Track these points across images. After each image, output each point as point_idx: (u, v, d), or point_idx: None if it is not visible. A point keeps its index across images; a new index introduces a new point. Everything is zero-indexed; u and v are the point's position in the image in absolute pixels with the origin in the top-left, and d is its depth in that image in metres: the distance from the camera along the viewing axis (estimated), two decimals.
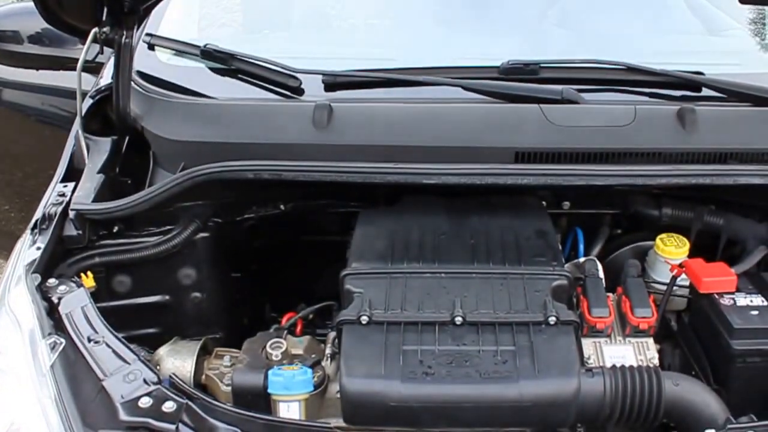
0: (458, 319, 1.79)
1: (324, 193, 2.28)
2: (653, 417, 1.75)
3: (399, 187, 2.12)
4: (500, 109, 2.16)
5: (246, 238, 2.31)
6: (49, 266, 1.94)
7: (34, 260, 1.91)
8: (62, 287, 1.88)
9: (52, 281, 1.90)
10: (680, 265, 2.07)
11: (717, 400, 1.79)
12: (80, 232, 2.01)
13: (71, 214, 2.02)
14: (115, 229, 2.09)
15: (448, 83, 2.18)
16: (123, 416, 1.59)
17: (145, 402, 1.61)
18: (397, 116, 2.16)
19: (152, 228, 2.13)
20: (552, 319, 1.79)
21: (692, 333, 2.05)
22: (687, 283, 2.08)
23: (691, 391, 1.79)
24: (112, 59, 2.31)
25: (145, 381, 1.66)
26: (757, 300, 1.96)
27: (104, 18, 2.16)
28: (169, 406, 1.61)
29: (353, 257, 1.97)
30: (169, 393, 1.64)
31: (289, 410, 1.79)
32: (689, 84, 2.26)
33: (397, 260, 1.96)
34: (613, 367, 1.79)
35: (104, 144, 2.24)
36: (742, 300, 1.96)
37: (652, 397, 1.73)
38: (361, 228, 2.09)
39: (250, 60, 2.25)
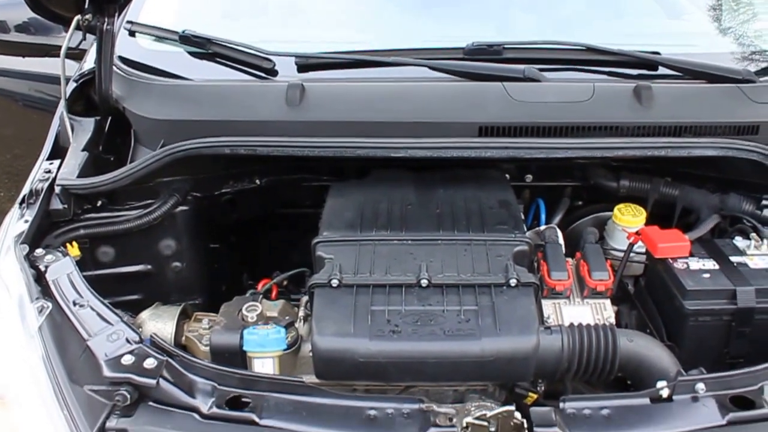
0: (424, 282, 1.89)
1: (297, 168, 2.39)
2: (609, 371, 1.86)
3: (368, 161, 2.22)
4: (465, 87, 2.25)
5: (224, 211, 2.42)
6: (37, 238, 2.05)
7: (22, 232, 2.02)
8: (49, 256, 1.99)
9: (39, 251, 2.00)
10: (637, 233, 2.18)
11: (669, 354, 1.90)
12: (66, 205, 2.11)
13: (57, 189, 2.12)
14: (99, 203, 2.20)
15: (416, 63, 2.28)
16: (107, 372, 1.69)
17: (128, 359, 1.71)
18: (367, 94, 2.26)
19: (134, 202, 2.24)
20: (513, 281, 1.89)
21: (647, 295, 2.15)
22: (644, 250, 2.19)
23: (645, 347, 1.90)
24: (95, 45, 2.40)
25: (127, 340, 1.76)
26: (709, 264, 2.06)
27: (86, 6, 2.28)
28: (150, 363, 1.70)
29: (324, 226, 2.07)
30: (150, 351, 1.73)
31: (264, 366, 1.89)
32: (646, 63, 2.35)
33: (366, 228, 2.06)
34: (571, 324, 1.89)
35: (88, 124, 2.34)
36: (695, 264, 2.06)
37: (607, 352, 1.84)
38: (331, 199, 2.19)
39: (226, 44, 2.34)
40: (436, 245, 2.01)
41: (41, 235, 2.07)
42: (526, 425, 1.63)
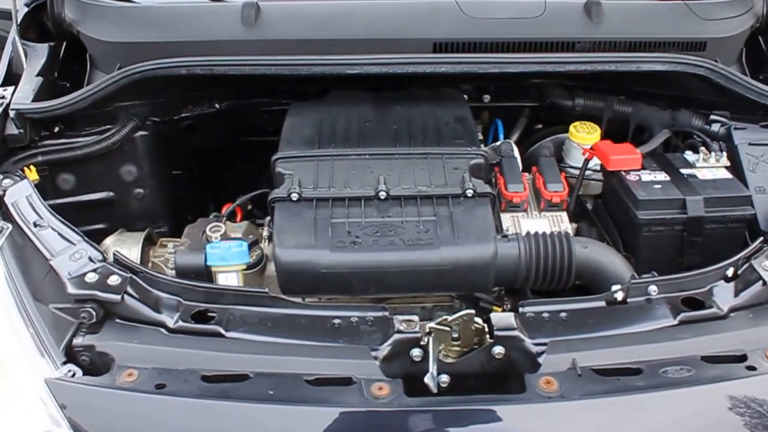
0: (382, 194, 1.92)
1: (256, 92, 2.39)
2: (566, 278, 1.91)
3: (326, 81, 2.23)
4: (418, 4, 2.28)
5: (185, 137, 2.42)
6: None
7: None
8: (6, 181, 1.98)
9: None
10: (591, 148, 2.23)
11: (623, 260, 1.97)
12: (21, 131, 2.09)
13: (11, 113, 2.09)
14: (56, 129, 2.18)
15: None
16: (71, 290, 1.70)
17: (91, 277, 1.72)
18: (322, 12, 2.26)
19: (92, 128, 2.22)
20: (469, 192, 1.93)
21: (604, 210, 2.21)
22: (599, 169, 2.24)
23: (599, 253, 1.96)
24: None
25: (90, 259, 1.76)
26: (660, 176, 2.12)
27: None
28: (114, 280, 1.72)
29: (283, 143, 2.09)
30: (113, 268, 1.75)
31: (228, 281, 1.91)
32: None
33: (324, 144, 2.09)
34: (527, 233, 1.94)
35: (42, 50, 2.31)
36: (647, 176, 2.12)
37: (563, 258, 1.89)
38: (290, 118, 2.21)
39: None
40: (393, 159, 2.05)
41: None
42: (486, 329, 1.66)
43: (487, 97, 2.49)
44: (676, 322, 1.72)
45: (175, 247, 2.02)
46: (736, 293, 1.78)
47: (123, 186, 2.31)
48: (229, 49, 2.16)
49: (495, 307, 2.00)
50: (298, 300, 1.80)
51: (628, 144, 2.23)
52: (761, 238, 1.90)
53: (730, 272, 1.81)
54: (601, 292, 1.83)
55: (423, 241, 1.83)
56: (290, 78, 2.17)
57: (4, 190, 1.94)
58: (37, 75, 2.21)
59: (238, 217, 2.20)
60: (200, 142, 2.47)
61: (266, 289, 1.76)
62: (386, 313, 1.71)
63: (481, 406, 1.56)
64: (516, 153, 2.23)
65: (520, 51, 2.22)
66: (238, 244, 1.90)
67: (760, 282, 1.78)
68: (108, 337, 1.67)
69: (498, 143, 2.31)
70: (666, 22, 2.32)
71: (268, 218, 2.04)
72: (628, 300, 1.77)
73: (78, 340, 1.66)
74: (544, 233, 1.93)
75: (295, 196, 1.91)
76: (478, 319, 1.68)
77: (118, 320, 1.70)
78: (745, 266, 1.82)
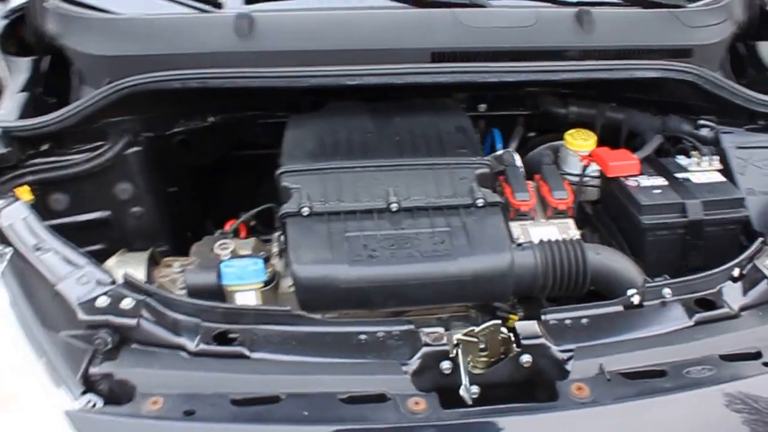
0: (394, 206, 1.90)
1: (251, 104, 2.33)
2: (582, 284, 1.91)
3: (323, 93, 2.19)
4: (415, 14, 2.27)
5: (178, 152, 2.34)
6: None
7: None
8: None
9: None
10: (589, 155, 2.26)
11: (634, 265, 1.98)
12: (9, 149, 1.97)
13: None
14: (44, 147, 2.07)
15: None
16: (82, 316, 1.61)
17: (103, 301, 1.64)
18: (317, 22, 2.23)
19: (82, 145, 2.12)
20: (480, 202, 1.92)
21: (606, 215, 2.23)
22: (596, 175, 2.26)
23: (612, 259, 1.98)
24: None
25: (98, 282, 1.68)
26: (658, 180, 2.15)
27: None
28: (127, 303, 1.64)
29: (285, 157, 2.04)
30: (125, 291, 1.67)
31: (245, 300, 1.85)
32: None
33: (328, 157, 2.05)
34: (541, 241, 1.94)
35: (24, 64, 2.21)
36: (646, 181, 2.15)
37: (578, 264, 1.90)
38: (291, 131, 2.16)
39: None
40: (399, 170, 2.02)
41: None
42: (513, 338, 1.65)
43: (483, 106, 2.48)
44: (692, 323, 1.74)
45: (183, 267, 1.95)
46: (744, 292, 1.81)
47: (119, 204, 2.21)
48: (223, 61, 2.10)
49: (512, 316, 2.00)
50: (320, 317, 1.76)
51: (625, 150, 2.25)
52: (761, 239, 1.93)
53: (736, 273, 1.84)
54: (615, 297, 1.83)
55: (440, 252, 1.82)
56: (287, 90, 2.13)
57: None
58: (21, 90, 2.11)
59: (243, 234, 2.14)
60: (194, 157, 2.39)
61: (288, 307, 1.70)
62: (412, 327, 1.68)
63: (520, 416, 1.55)
64: (519, 161, 2.23)
65: (516, 59, 2.22)
66: (254, 261, 1.84)
67: (766, 281, 1.81)
68: (126, 363, 1.59)
69: (500, 152, 2.31)
70: (654, 30, 2.37)
71: (278, 233, 1.98)
72: (645, 303, 1.77)
73: (95, 369, 1.57)
74: (557, 241, 1.94)
75: (305, 211, 1.86)
76: (504, 329, 1.66)
77: (135, 345, 1.62)
78: (749, 266, 1.85)
